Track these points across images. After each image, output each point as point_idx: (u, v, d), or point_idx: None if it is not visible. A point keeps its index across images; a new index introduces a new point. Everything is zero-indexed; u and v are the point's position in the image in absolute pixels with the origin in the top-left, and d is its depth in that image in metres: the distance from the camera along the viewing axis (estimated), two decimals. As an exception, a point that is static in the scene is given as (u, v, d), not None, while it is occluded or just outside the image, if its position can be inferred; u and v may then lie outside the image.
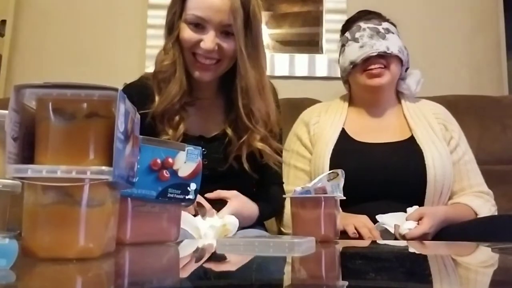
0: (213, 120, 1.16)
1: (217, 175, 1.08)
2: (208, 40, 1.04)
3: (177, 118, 1.08)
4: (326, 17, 2.03)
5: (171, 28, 1.10)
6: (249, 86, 1.08)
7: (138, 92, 1.09)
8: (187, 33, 1.07)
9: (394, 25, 1.41)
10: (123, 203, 0.60)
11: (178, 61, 1.09)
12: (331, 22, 2.02)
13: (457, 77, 2.03)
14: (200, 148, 0.71)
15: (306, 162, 1.36)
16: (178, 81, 1.08)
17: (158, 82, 1.10)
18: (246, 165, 1.08)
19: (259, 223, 1.19)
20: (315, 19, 2.03)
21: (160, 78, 1.10)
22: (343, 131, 1.36)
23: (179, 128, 1.07)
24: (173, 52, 1.09)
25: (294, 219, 0.83)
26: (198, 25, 1.06)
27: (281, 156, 1.17)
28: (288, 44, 2.00)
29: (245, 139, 1.09)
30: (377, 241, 1.06)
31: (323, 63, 2.01)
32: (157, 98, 1.08)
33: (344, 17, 1.97)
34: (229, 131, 1.12)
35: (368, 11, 1.43)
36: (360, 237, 1.10)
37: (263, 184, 1.18)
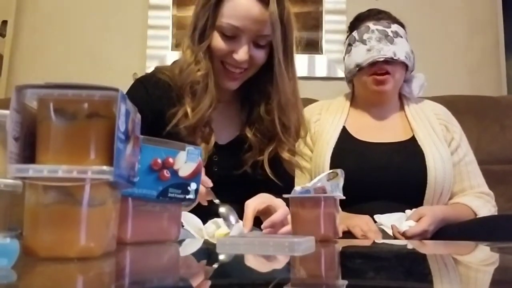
0: (228, 126, 1.12)
1: (229, 181, 1.02)
2: (243, 52, 1.00)
3: (207, 130, 1.04)
4: (325, 17, 2.03)
5: (202, 35, 1.04)
6: (286, 99, 1.05)
7: (157, 87, 1.05)
8: (220, 43, 1.02)
9: (403, 26, 1.39)
10: (124, 202, 0.60)
11: (210, 72, 1.03)
12: (331, 23, 2.02)
13: (456, 77, 2.03)
14: (200, 148, 0.71)
15: (307, 160, 1.36)
16: (210, 94, 1.03)
17: (191, 92, 1.03)
18: (268, 170, 1.05)
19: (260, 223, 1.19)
20: (315, 20, 2.03)
21: (192, 89, 1.03)
22: (344, 130, 1.36)
23: (210, 140, 1.03)
24: (206, 62, 1.03)
25: (293, 219, 0.83)
26: (230, 36, 1.01)
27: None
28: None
29: (272, 148, 1.06)
30: (376, 241, 1.06)
31: (323, 63, 2.02)
32: (189, 111, 1.02)
33: (344, 18, 1.98)
34: (249, 134, 1.08)
35: (378, 10, 1.41)
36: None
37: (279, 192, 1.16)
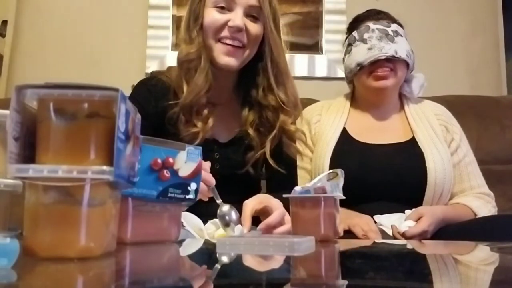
0: (228, 124, 1.13)
1: (231, 180, 1.03)
2: (237, 18, 1.04)
3: (206, 111, 1.05)
4: (325, 17, 2.03)
5: (197, 16, 1.07)
6: (282, 67, 1.09)
7: (154, 85, 1.08)
8: (214, 15, 1.05)
9: (402, 27, 1.39)
10: (123, 202, 0.60)
11: (203, 50, 1.06)
12: (331, 23, 2.02)
13: (456, 77, 2.03)
14: (201, 148, 0.71)
15: (307, 161, 1.36)
16: (204, 71, 1.05)
17: (185, 73, 1.06)
18: (271, 161, 1.06)
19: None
20: (315, 20, 2.03)
21: (186, 68, 1.06)
22: (344, 131, 1.36)
23: (208, 121, 1.04)
24: (198, 40, 1.06)
25: (293, 219, 0.83)
26: (224, 8, 1.05)
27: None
28: (288, 45, 2.00)
29: (274, 135, 1.08)
30: (376, 241, 1.06)
31: (323, 63, 2.02)
32: (185, 88, 1.05)
33: (344, 18, 1.98)
34: (250, 131, 1.09)
35: (377, 11, 1.41)
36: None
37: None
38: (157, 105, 1.05)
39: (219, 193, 0.91)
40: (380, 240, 1.08)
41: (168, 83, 1.09)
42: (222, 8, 1.05)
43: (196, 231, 0.90)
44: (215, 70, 1.07)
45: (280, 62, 1.09)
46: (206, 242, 0.83)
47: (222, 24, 1.05)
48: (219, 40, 1.05)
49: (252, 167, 1.09)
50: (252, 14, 1.06)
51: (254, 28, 1.06)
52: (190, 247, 0.75)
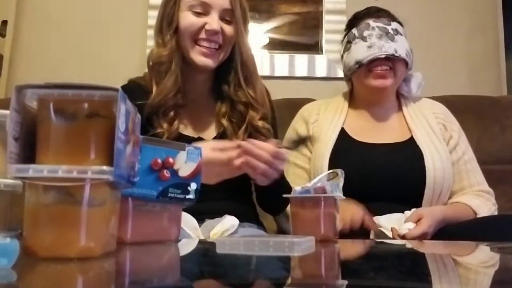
0: (210, 122, 1.18)
1: None
2: (214, 22, 1.09)
3: (172, 113, 1.09)
4: (325, 17, 2.03)
5: (170, 20, 1.12)
6: (250, 67, 1.15)
7: (132, 88, 1.10)
8: (190, 19, 1.10)
9: (402, 25, 1.38)
10: (124, 202, 0.60)
11: (175, 54, 1.10)
12: (331, 23, 2.02)
13: (456, 77, 2.03)
14: (200, 148, 0.71)
15: (306, 160, 1.36)
16: (174, 74, 1.09)
17: (156, 75, 1.11)
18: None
19: (258, 223, 1.19)
20: (315, 20, 2.03)
21: (157, 70, 1.11)
22: (342, 131, 1.36)
23: (174, 123, 1.08)
24: (171, 44, 1.10)
25: (293, 219, 0.83)
26: (200, 13, 1.10)
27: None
28: (288, 45, 2.00)
29: (245, 126, 1.12)
30: (376, 241, 1.06)
31: (323, 63, 2.01)
32: (154, 89, 1.09)
33: (344, 18, 1.98)
34: (224, 121, 1.14)
35: (377, 8, 1.40)
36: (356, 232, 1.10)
37: None
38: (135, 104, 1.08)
39: (206, 191, 0.91)
40: (378, 240, 1.08)
41: (145, 86, 1.13)
42: (198, 12, 1.10)
43: (191, 230, 0.90)
44: (190, 70, 1.13)
45: (249, 62, 1.15)
46: (206, 242, 0.83)
47: (199, 27, 1.10)
48: (195, 42, 1.11)
49: None
50: (226, 17, 1.12)
51: (229, 29, 1.12)
52: (189, 247, 0.75)
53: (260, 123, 1.14)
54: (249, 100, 1.14)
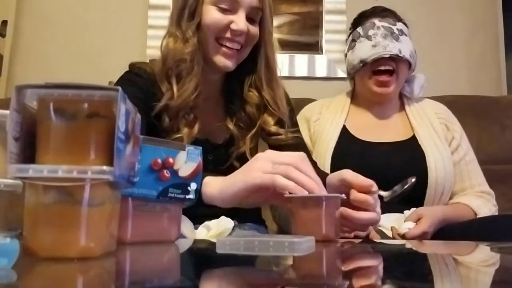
0: (219, 125, 1.11)
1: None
2: (241, 21, 1.00)
3: (192, 116, 1.01)
4: (325, 17, 2.03)
5: (193, 13, 1.01)
6: (274, 71, 1.08)
7: (139, 75, 1.05)
8: (216, 15, 1.00)
9: (407, 26, 1.38)
10: (124, 202, 0.60)
11: (197, 53, 1.01)
12: (331, 23, 2.03)
13: (456, 77, 2.03)
14: (201, 148, 0.71)
15: None
16: (196, 76, 1.01)
17: (176, 74, 1.01)
18: (250, 158, 1.01)
19: (261, 222, 1.19)
20: (315, 20, 2.03)
21: (177, 69, 1.01)
22: (344, 129, 1.36)
23: (194, 127, 1.01)
24: (193, 41, 1.01)
25: (294, 219, 0.83)
26: (226, 9, 1.00)
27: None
28: (288, 45, 2.00)
29: (254, 133, 1.06)
30: (376, 241, 1.06)
31: (323, 63, 2.02)
32: (175, 89, 1.00)
33: (344, 18, 1.98)
34: (231, 126, 1.08)
35: (383, 8, 1.40)
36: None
37: None
38: (143, 94, 1.02)
39: None
40: (378, 240, 1.08)
41: (152, 75, 1.05)
42: (224, 9, 1.00)
43: (187, 232, 0.90)
44: (208, 70, 1.05)
45: (273, 65, 1.08)
46: (206, 242, 0.82)
47: (224, 25, 1.00)
48: (217, 40, 1.02)
49: (238, 162, 1.05)
50: (252, 16, 1.03)
51: (254, 30, 1.03)
52: (189, 247, 0.75)
53: (274, 128, 1.07)
54: (263, 103, 1.07)
